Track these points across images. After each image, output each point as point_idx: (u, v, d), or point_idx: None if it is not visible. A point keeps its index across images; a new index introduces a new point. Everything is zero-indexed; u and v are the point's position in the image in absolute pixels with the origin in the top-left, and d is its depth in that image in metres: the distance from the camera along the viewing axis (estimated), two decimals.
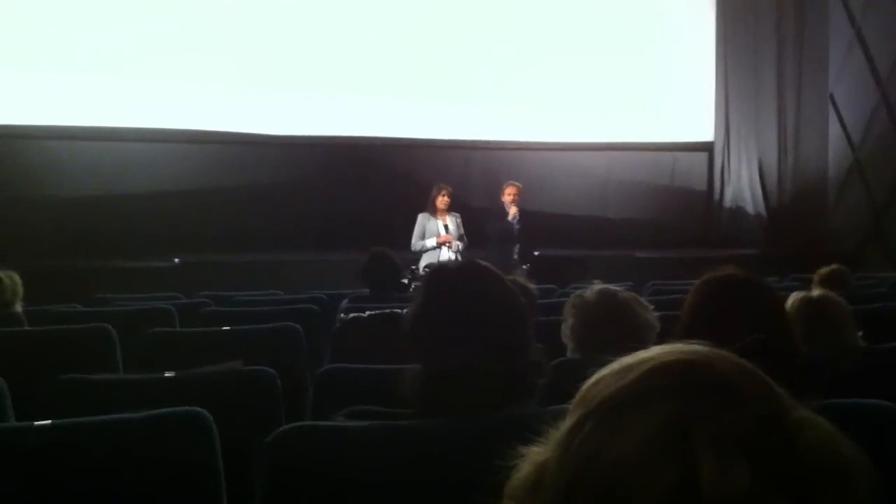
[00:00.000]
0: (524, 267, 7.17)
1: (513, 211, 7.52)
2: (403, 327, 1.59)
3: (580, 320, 2.43)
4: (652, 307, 2.47)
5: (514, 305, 1.57)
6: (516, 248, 7.53)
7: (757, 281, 1.85)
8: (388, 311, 3.21)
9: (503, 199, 7.62)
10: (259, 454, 1.40)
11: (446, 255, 7.18)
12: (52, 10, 8.23)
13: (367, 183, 9.19)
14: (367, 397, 1.61)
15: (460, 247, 7.37)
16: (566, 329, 2.46)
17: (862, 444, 0.62)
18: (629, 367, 0.66)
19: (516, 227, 7.52)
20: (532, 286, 3.66)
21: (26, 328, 3.90)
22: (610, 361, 0.69)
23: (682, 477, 0.57)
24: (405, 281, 4.95)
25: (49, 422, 1.71)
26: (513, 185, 7.67)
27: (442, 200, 7.42)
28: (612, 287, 2.52)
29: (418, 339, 1.56)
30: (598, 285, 2.52)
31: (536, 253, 7.81)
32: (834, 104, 10.25)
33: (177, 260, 7.78)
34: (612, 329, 2.32)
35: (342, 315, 3.57)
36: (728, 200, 10.91)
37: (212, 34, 8.77)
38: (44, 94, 8.28)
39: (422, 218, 7.45)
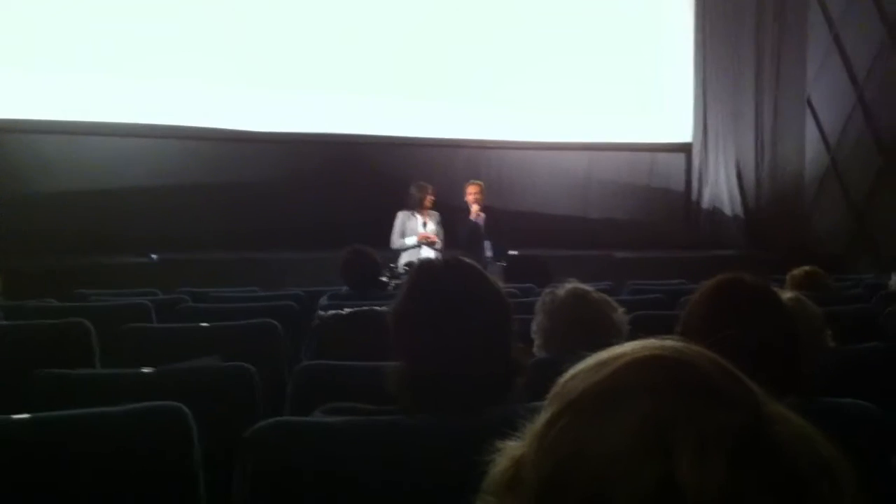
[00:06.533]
0: (499, 264, 7.10)
1: (474, 210, 7.42)
2: (387, 323, 1.58)
3: (549, 318, 2.47)
4: (622, 309, 2.49)
5: (500, 304, 1.56)
6: (487, 246, 7.40)
7: (765, 286, 1.79)
8: (367, 308, 3.21)
9: (466, 199, 7.54)
10: (237, 449, 1.40)
11: (426, 253, 7.16)
12: (42, 4, 8.10)
13: (350, 181, 9.14)
14: (345, 394, 1.61)
15: (439, 245, 7.35)
16: (535, 325, 2.50)
17: (841, 443, 0.62)
18: (604, 363, 0.67)
19: (481, 224, 7.42)
20: (502, 285, 3.66)
21: (2, 323, 3.87)
22: (584, 357, 0.69)
23: (663, 474, 0.58)
24: (384, 279, 4.93)
25: (27, 415, 1.71)
26: (474, 183, 7.60)
27: (430, 200, 7.42)
28: (584, 287, 2.53)
29: (402, 335, 1.55)
30: (571, 284, 2.54)
31: (514, 252, 7.76)
32: (811, 107, 10.34)
33: (154, 257, 7.71)
34: (579, 328, 2.35)
35: (321, 312, 3.56)
36: (706, 201, 10.94)
37: (208, 31, 8.66)
38: (32, 88, 8.09)
39: (402, 215, 7.41)
